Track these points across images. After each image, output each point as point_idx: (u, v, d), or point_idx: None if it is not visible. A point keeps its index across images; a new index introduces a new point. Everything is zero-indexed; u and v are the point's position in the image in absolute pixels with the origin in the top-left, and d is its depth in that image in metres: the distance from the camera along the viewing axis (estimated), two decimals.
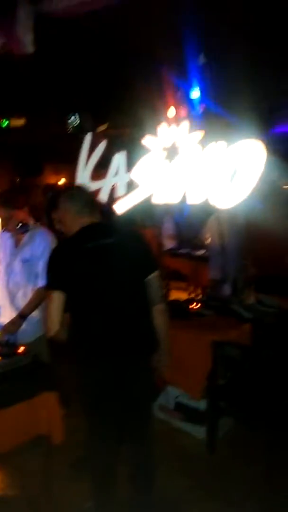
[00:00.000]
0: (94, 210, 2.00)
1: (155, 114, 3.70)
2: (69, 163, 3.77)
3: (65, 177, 7.21)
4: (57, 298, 1.84)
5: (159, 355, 2.01)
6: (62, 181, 7.38)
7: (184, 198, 3.36)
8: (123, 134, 4.37)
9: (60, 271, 1.88)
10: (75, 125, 4.03)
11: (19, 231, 2.56)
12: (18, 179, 6.35)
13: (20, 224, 2.54)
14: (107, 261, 1.87)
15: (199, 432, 2.71)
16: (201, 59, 3.75)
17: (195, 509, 2.21)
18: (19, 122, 4.60)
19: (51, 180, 7.21)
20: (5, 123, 4.55)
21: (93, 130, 4.07)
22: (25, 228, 2.55)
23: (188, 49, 3.64)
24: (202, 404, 2.70)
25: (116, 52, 3.58)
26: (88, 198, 2.02)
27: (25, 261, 2.56)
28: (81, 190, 2.13)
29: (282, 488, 2.29)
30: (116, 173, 3.75)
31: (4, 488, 2.34)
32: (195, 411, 2.71)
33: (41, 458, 2.29)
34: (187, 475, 2.44)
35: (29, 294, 2.56)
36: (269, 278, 3.42)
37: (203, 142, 3.29)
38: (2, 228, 2.62)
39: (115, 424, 1.99)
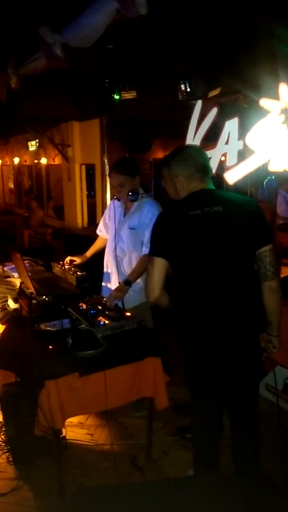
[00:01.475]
0: (206, 176, 1.86)
1: (273, 74, 3.35)
2: (179, 138, 3.67)
3: None
4: (158, 264, 1.80)
5: (268, 334, 1.85)
6: None
7: None
8: (235, 100, 4.09)
9: (164, 237, 1.82)
10: (186, 92, 3.88)
11: (129, 199, 2.58)
12: (127, 155, 6.49)
13: (131, 193, 2.55)
14: (212, 231, 1.75)
15: None
16: None
17: None
18: (130, 95, 4.63)
19: (159, 155, 7.24)
20: (118, 97, 4.61)
21: (204, 96, 3.89)
22: (135, 197, 2.57)
23: None
24: None
25: (226, 9, 3.31)
26: (202, 162, 1.86)
27: (132, 229, 2.58)
28: (195, 151, 1.93)
29: None
30: (227, 141, 3.54)
31: (109, 443, 2.46)
32: None
33: (143, 419, 2.35)
34: None
35: (134, 262, 2.59)
36: None
37: None
38: (114, 195, 2.67)
39: (216, 398, 1.95)
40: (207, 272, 1.76)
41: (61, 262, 2.99)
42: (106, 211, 2.86)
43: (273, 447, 2.36)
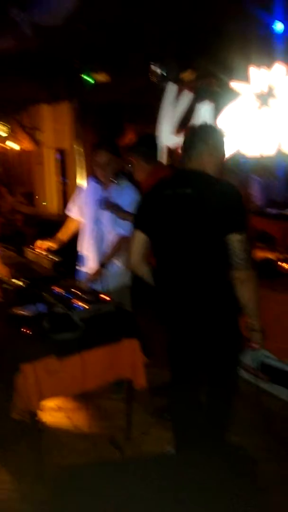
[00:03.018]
0: (191, 156, 1.79)
1: (246, 57, 3.36)
2: (153, 122, 3.64)
3: None
4: (137, 236, 1.88)
5: (245, 321, 1.80)
6: None
7: (279, 149, 3.07)
8: (209, 84, 4.09)
9: (142, 213, 1.90)
10: (159, 74, 3.84)
11: (112, 180, 2.55)
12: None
13: (115, 173, 2.53)
14: (179, 212, 1.76)
15: (285, 394, 2.57)
16: None
17: (275, 468, 2.12)
18: (102, 77, 4.53)
19: (133, 140, 7.17)
20: (90, 78, 4.51)
21: (178, 79, 3.86)
22: (119, 178, 2.54)
23: None
24: None
25: None
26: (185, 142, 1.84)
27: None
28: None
29: None
30: None
31: (87, 426, 2.46)
32: (283, 372, 2.56)
33: (122, 401, 2.36)
34: (270, 436, 2.35)
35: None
36: None
37: None
38: (100, 173, 2.61)
39: (195, 376, 1.97)
40: (174, 252, 1.80)
41: (31, 246, 2.90)
42: (80, 192, 2.80)
43: (249, 423, 2.43)
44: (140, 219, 1.90)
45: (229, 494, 1.33)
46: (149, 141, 2.72)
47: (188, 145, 1.82)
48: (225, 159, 1.90)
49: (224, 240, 1.66)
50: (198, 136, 1.79)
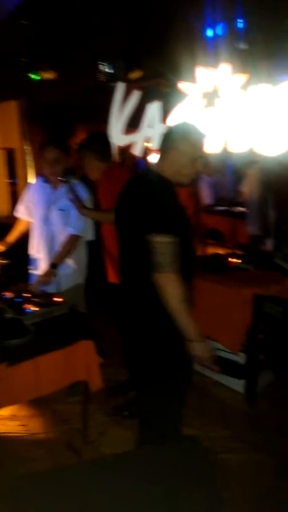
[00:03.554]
0: (161, 154, 1.75)
1: (193, 58, 3.43)
2: (103, 122, 3.62)
3: None
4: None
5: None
6: None
7: (226, 147, 3.16)
8: (157, 84, 4.13)
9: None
10: (107, 73, 3.83)
11: (61, 179, 2.49)
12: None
13: (64, 171, 2.48)
14: (120, 210, 1.79)
15: (238, 385, 2.66)
16: None
17: (234, 457, 2.18)
18: (49, 75, 4.44)
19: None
20: (37, 76, 4.40)
21: (126, 78, 3.87)
22: (67, 176, 2.49)
23: None
24: (241, 358, 2.63)
25: None
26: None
27: (62, 210, 2.51)
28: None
29: None
30: (151, 125, 3.58)
31: (44, 432, 2.41)
32: (234, 364, 2.65)
33: (79, 404, 2.33)
34: (226, 426, 2.42)
35: None
36: None
37: (246, 85, 3.04)
38: (48, 170, 2.54)
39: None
40: (120, 250, 1.82)
41: None
42: (28, 192, 2.73)
43: (204, 414, 2.49)
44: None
45: (190, 486, 1.35)
46: (102, 139, 2.66)
47: (160, 144, 1.78)
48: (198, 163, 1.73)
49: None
50: (167, 136, 1.74)
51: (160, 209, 1.61)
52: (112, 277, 2.49)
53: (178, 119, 3.38)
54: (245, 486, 1.99)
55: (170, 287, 1.57)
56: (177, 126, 1.75)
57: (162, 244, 1.57)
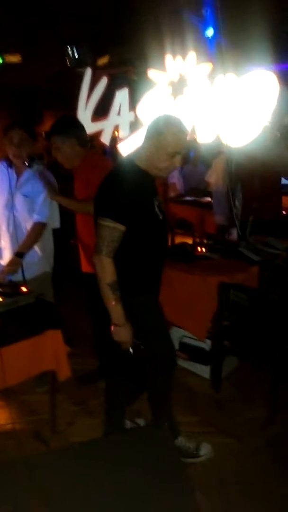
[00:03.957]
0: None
1: (161, 46, 3.41)
2: (71, 109, 3.55)
3: None
4: None
5: None
6: None
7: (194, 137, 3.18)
8: (126, 72, 4.08)
9: None
10: (74, 58, 3.74)
11: (26, 163, 2.41)
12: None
13: (29, 156, 2.40)
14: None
15: (204, 371, 2.73)
16: None
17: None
18: (13, 58, 4.28)
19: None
20: (1, 59, 4.23)
21: (93, 63, 3.79)
22: (32, 161, 2.41)
23: None
24: (207, 345, 2.69)
25: None
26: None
27: (26, 196, 2.45)
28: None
29: (286, 423, 2.32)
30: (119, 113, 3.54)
31: (12, 422, 2.38)
32: (200, 351, 2.71)
33: (47, 394, 2.32)
34: (194, 412, 2.47)
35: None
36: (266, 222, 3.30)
37: (213, 75, 3.06)
38: (13, 153, 2.44)
39: None
40: None
41: None
42: None
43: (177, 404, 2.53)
44: None
45: (158, 472, 1.38)
46: (77, 122, 2.51)
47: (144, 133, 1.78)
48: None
49: None
50: (149, 127, 1.74)
51: (111, 195, 1.68)
52: (86, 266, 2.47)
53: (147, 108, 3.39)
54: (212, 469, 2.06)
55: (99, 269, 1.69)
56: (158, 118, 1.73)
57: (103, 227, 1.66)
